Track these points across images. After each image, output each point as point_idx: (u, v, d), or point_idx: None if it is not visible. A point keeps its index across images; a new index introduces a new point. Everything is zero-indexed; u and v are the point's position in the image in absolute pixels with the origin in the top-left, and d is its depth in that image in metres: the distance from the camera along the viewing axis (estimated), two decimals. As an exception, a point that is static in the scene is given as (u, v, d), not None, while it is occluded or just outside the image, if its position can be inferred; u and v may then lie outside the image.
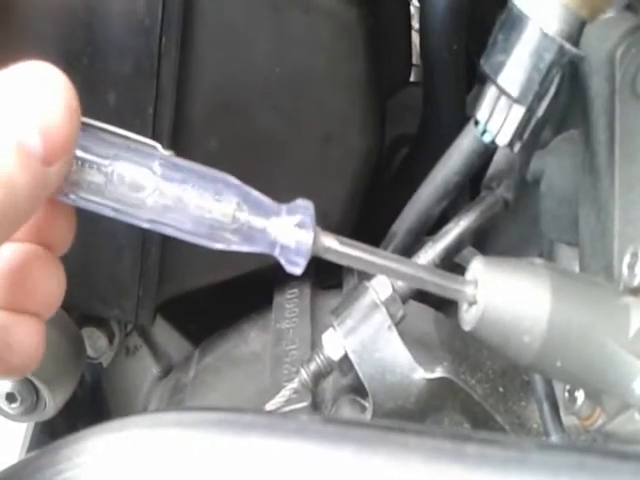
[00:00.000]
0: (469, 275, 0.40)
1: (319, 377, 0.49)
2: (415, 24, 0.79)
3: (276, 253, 0.35)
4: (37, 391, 0.60)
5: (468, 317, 0.40)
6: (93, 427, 0.30)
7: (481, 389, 0.54)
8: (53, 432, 0.71)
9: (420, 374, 0.47)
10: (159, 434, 0.28)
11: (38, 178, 0.29)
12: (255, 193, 0.34)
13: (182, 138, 0.53)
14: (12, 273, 0.32)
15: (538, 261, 0.40)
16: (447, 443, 0.24)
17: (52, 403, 0.60)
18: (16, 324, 0.32)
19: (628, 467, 0.23)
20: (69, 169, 0.31)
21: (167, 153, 0.33)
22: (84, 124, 0.32)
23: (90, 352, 0.66)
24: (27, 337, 0.32)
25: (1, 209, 0.27)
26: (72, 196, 0.32)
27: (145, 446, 0.28)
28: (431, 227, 0.56)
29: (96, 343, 0.66)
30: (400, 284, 0.48)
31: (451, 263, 0.51)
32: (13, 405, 0.60)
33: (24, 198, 0.28)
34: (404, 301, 0.49)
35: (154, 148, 0.33)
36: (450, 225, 0.51)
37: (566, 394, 0.46)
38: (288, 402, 0.50)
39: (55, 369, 0.60)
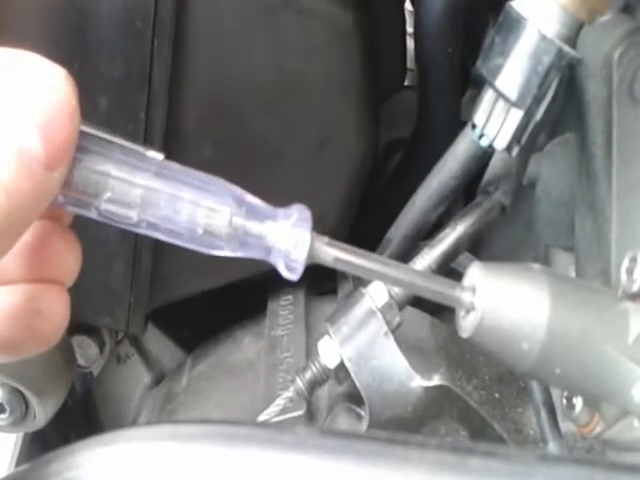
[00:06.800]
0: (466, 281, 0.39)
1: (314, 385, 0.48)
2: (409, 28, 0.79)
3: (272, 259, 0.34)
4: (26, 401, 0.59)
5: (466, 324, 0.39)
6: (84, 440, 0.29)
7: (477, 396, 0.53)
8: (43, 442, 0.70)
9: (417, 382, 0.47)
10: (153, 447, 0.27)
11: (41, 184, 0.28)
12: (250, 197, 0.34)
13: (175, 144, 0.52)
14: (34, 248, 0.33)
15: (536, 267, 0.40)
16: (450, 456, 0.24)
17: (42, 413, 0.60)
18: (42, 291, 0.33)
19: (636, 480, 0.22)
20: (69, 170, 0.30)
21: (158, 157, 0.33)
22: None
23: (81, 361, 0.66)
24: (54, 302, 0.33)
25: (5, 217, 0.27)
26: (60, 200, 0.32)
27: (138, 460, 0.27)
28: (427, 232, 0.55)
29: (87, 352, 0.66)
30: (396, 290, 0.48)
31: (447, 269, 0.51)
32: (2, 416, 0.60)
33: (28, 205, 0.28)
34: (401, 308, 0.48)
35: (143, 153, 0.32)
36: (447, 230, 0.51)
37: (564, 401, 0.46)
38: (283, 411, 0.49)
39: (45, 379, 0.60)
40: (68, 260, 0.34)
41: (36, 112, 0.27)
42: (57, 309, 0.33)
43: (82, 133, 0.32)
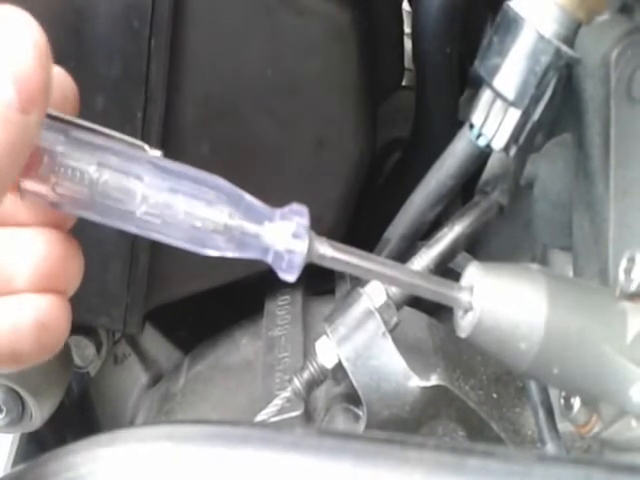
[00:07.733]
0: (464, 281, 0.39)
1: (312, 385, 0.48)
2: (407, 28, 0.79)
3: (269, 259, 0.34)
4: (23, 402, 0.59)
5: (464, 324, 0.39)
6: (82, 440, 0.29)
7: (475, 396, 0.53)
8: (40, 443, 0.70)
9: (415, 382, 0.47)
10: (150, 448, 0.27)
11: (18, 129, 0.28)
12: (248, 197, 0.34)
13: (172, 143, 0.52)
14: (39, 257, 0.33)
15: (534, 267, 0.40)
16: (448, 456, 0.24)
17: (39, 414, 0.60)
18: (47, 303, 0.33)
19: (634, 480, 0.22)
20: (44, 116, 0.30)
21: (156, 154, 0.33)
22: (70, 123, 0.32)
23: (77, 361, 0.66)
24: (57, 314, 0.33)
25: None
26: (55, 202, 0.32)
27: (136, 460, 0.27)
28: (425, 232, 0.55)
29: (83, 352, 0.66)
30: (394, 290, 0.48)
31: (445, 269, 0.51)
32: (-1, 416, 0.60)
33: (8, 152, 0.28)
34: (398, 308, 0.48)
35: (142, 149, 0.32)
36: (444, 230, 0.51)
37: (562, 401, 0.46)
38: (280, 411, 0.49)
39: (41, 379, 0.59)
40: (72, 269, 0.34)
41: (7, 60, 0.27)
42: (60, 320, 0.33)
43: (77, 128, 0.32)
